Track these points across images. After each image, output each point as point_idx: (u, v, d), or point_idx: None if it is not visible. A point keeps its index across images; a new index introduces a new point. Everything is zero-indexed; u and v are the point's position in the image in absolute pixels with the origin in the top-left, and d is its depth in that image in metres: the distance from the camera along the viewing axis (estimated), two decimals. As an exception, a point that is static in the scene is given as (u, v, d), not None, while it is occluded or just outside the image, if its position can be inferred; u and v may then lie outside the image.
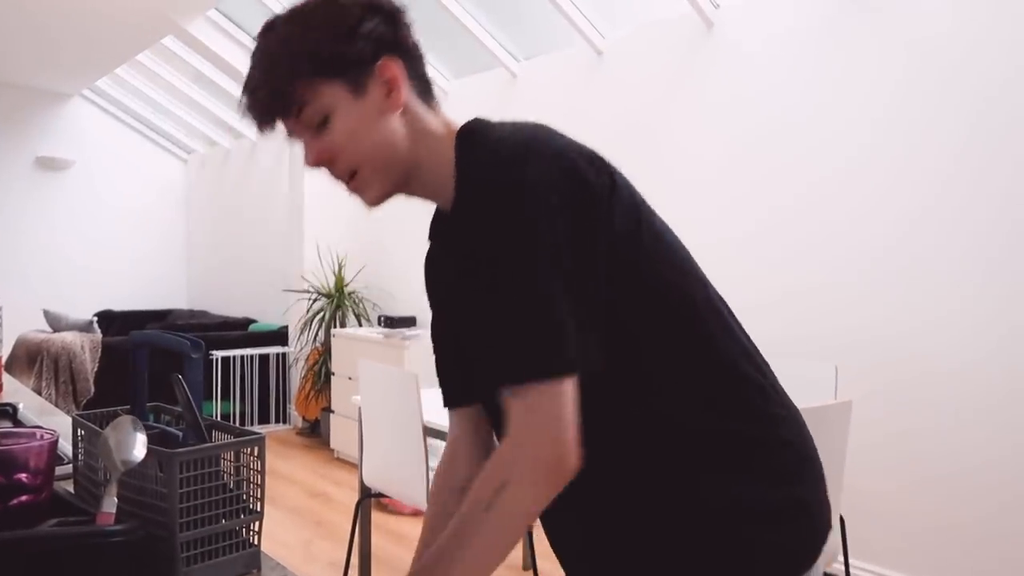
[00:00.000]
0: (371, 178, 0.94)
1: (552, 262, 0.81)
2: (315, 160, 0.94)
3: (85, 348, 5.27)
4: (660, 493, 0.90)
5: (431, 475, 2.54)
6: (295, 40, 0.90)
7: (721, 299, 0.99)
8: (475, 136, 0.94)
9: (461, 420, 1.11)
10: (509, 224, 0.83)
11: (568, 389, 0.79)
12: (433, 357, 1.12)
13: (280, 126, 0.95)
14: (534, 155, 0.85)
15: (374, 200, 0.96)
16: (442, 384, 1.11)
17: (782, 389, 1.00)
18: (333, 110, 0.90)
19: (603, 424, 0.88)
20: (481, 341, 0.90)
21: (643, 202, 0.93)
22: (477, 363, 0.98)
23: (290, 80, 0.89)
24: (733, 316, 0.99)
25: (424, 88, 0.97)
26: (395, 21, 0.94)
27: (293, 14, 0.92)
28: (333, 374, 5.04)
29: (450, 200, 0.95)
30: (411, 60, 0.95)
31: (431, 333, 1.13)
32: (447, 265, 1.03)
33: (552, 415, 0.78)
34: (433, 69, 4.66)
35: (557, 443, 0.78)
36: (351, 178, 0.94)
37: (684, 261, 0.95)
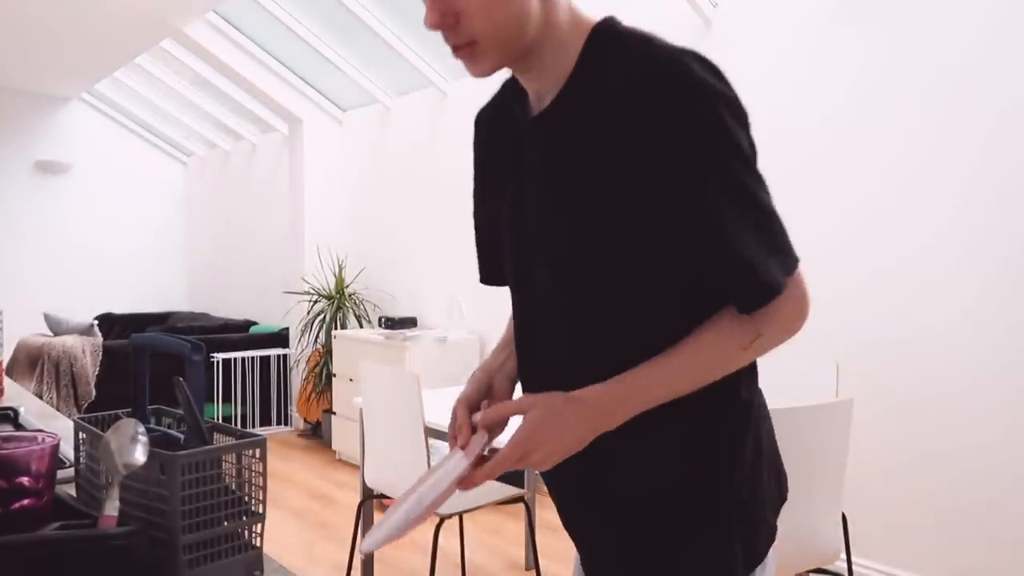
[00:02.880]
0: (489, 51, 0.88)
1: (754, 167, 0.91)
2: (438, 20, 0.87)
3: (86, 351, 5.27)
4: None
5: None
6: None
7: None
8: (618, 28, 0.94)
9: None
10: (737, 125, 0.89)
11: (802, 277, 0.94)
12: (476, 257, 1.15)
13: None
14: (718, 71, 0.91)
15: (483, 73, 0.91)
16: (481, 260, 1.15)
17: None
18: None
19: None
20: (743, 247, 0.89)
21: None
22: (574, 253, 0.93)
23: None
24: None
25: None
26: None
27: None
28: (334, 376, 5.04)
29: (557, 87, 0.92)
30: None
31: (476, 209, 1.13)
32: (541, 147, 0.95)
33: (803, 290, 0.94)
34: (431, 69, 4.67)
35: (806, 299, 0.94)
36: (466, 47, 0.88)
37: None
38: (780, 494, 1.02)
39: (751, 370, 0.98)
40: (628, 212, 0.87)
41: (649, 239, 0.88)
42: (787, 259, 0.91)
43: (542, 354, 1.00)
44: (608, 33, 0.92)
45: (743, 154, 0.88)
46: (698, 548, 0.92)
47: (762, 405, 1.00)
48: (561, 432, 0.87)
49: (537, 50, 0.91)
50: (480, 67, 0.90)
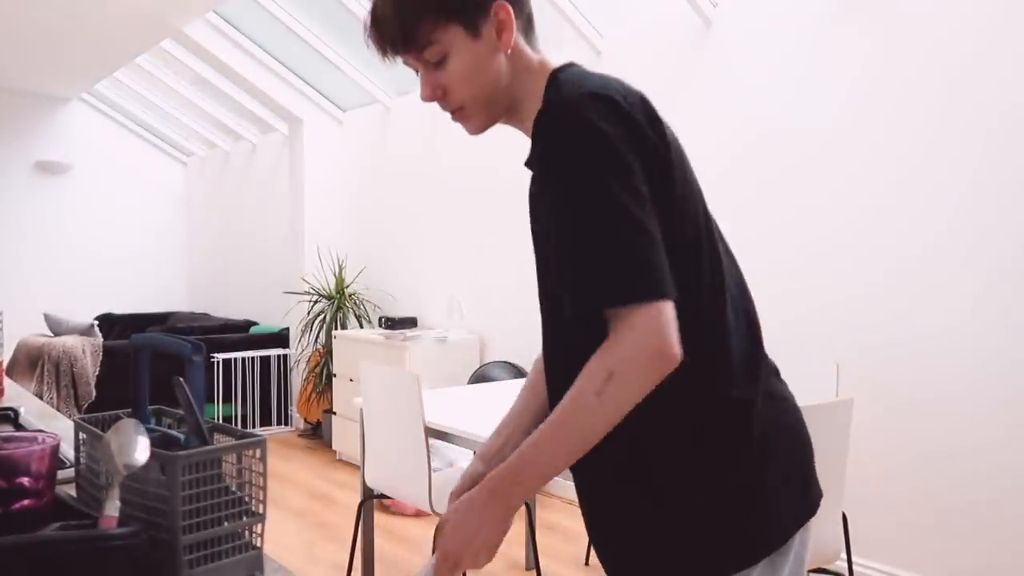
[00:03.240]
0: (476, 111, 1.04)
1: (633, 190, 0.88)
2: (430, 95, 1.04)
3: (86, 352, 5.27)
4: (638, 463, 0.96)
5: (433, 476, 2.55)
6: None
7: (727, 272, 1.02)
8: (562, 73, 1.02)
9: None
10: (594, 151, 0.89)
11: (669, 309, 0.87)
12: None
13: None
14: (611, 95, 0.93)
15: (476, 130, 1.07)
16: None
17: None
18: (451, 50, 1.00)
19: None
20: (568, 263, 0.92)
21: (682, 173, 0.98)
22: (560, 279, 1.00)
23: (417, 22, 0.99)
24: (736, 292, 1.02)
25: (527, 25, 1.06)
26: None
27: None
28: (334, 376, 5.04)
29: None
30: (520, 1, 1.04)
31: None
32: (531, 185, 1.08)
33: (656, 321, 0.86)
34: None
35: (659, 335, 0.85)
36: (458, 111, 1.05)
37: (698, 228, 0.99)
38: (801, 502, 0.99)
39: (748, 367, 0.97)
40: (546, 236, 0.98)
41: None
42: (631, 285, 0.86)
43: (547, 356, 1.09)
44: (552, 82, 1.02)
45: (598, 175, 0.88)
46: (680, 538, 0.94)
47: (772, 404, 0.99)
48: (474, 531, 0.92)
49: (517, 104, 1.04)
50: (472, 127, 1.07)
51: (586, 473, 1.02)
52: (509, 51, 1.01)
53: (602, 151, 0.89)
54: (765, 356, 1.03)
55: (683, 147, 1.01)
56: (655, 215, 0.89)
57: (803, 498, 0.99)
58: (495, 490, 0.91)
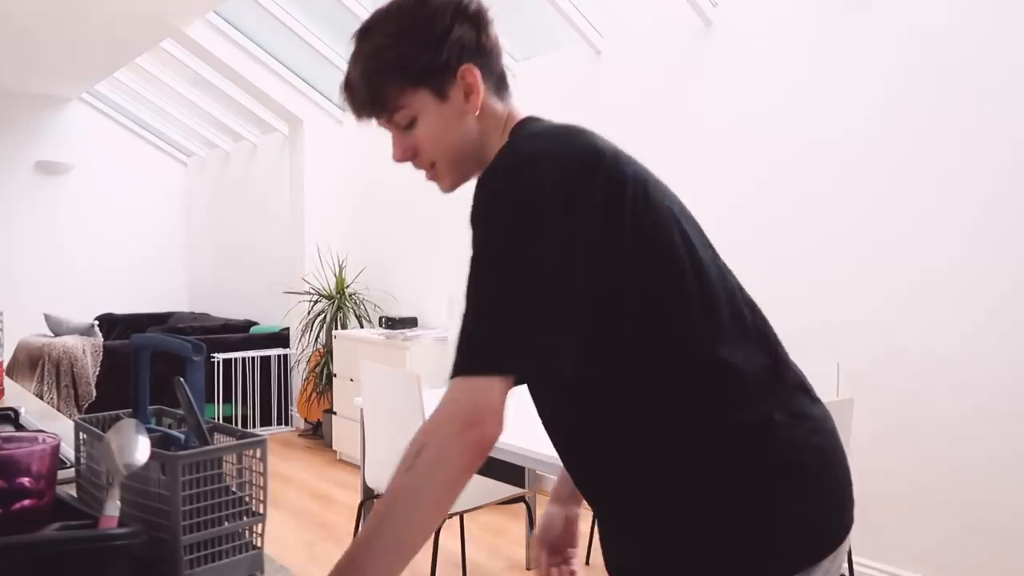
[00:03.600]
0: (447, 171, 1.06)
1: (532, 261, 0.86)
2: (401, 156, 1.07)
3: (86, 352, 5.27)
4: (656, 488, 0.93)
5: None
6: (388, 50, 1.00)
7: (731, 288, 1.00)
8: (515, 132, 1.03)
9: None
10: (495, 220, 0.90)
11: (495, 385, 0.83)
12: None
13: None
14: (544, 157, 0.91)
15: (449, 188, 1.09)
16: None
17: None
18: (419, 114, 1.01)
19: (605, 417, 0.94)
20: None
21: (657, 215, 0.94)
22: None
23: (384, 89, 1.00)
24: (741, 306, 0.99)
25: (499, 81, 1.05)
26: (479, 23, 1.02)
27: (388, 16, 1.01)
28: (335, 376, 5.04)
29: None
30: (490, 60, 1.03)
31: None
32: None
33: (474, 398, 0.83)
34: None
35: (472, 408, 0.82)
36: (430, 170, 1.07)
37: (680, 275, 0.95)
38: (826, 530, 0.92)
39: (761, 386, 0.93)
40: None
41: None
42: (463, 358, 0.85)
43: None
44: (512, 133, 1.03)
45: (498, 246, 0.88)
46: (677, 552, 0.91)
47: (796, 424, 0.93)
48: None
49: (488, 160, 1.00)
50: (445, 185, 1.09)
51: (602, 504, 1.01)
52: (477, 112, 1.02)
53: (510, 223, 0.88)
54: (785, 372, 0.98)
55: (649, 177, 0.97)
56: (570, 279, 0.86)
57: (828, 526, 0.93)
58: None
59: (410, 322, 4.88)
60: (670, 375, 0.92)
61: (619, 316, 0.91)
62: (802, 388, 0.99)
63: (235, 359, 5.61)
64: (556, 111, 4.07)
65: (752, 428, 0.91)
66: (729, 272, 1.02)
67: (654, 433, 0.92)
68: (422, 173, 1.12)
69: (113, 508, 0.86)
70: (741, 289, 1.01)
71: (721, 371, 0.92)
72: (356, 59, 1.02)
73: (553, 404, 1.02)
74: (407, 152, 1.06)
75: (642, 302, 0.91)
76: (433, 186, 1.12)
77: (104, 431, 1.00)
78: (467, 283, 0.90)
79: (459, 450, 0.82)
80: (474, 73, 1.00)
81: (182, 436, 1.08)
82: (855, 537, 2.89)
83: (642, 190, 0.94)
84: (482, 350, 0.85)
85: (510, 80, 1.08)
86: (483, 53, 1.02)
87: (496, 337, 0.85)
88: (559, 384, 0.97)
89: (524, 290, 0.85)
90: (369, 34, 1.02)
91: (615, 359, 0.92)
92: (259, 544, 0.99)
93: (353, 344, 4.83)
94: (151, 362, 1.16)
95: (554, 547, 1.24)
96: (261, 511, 0.99)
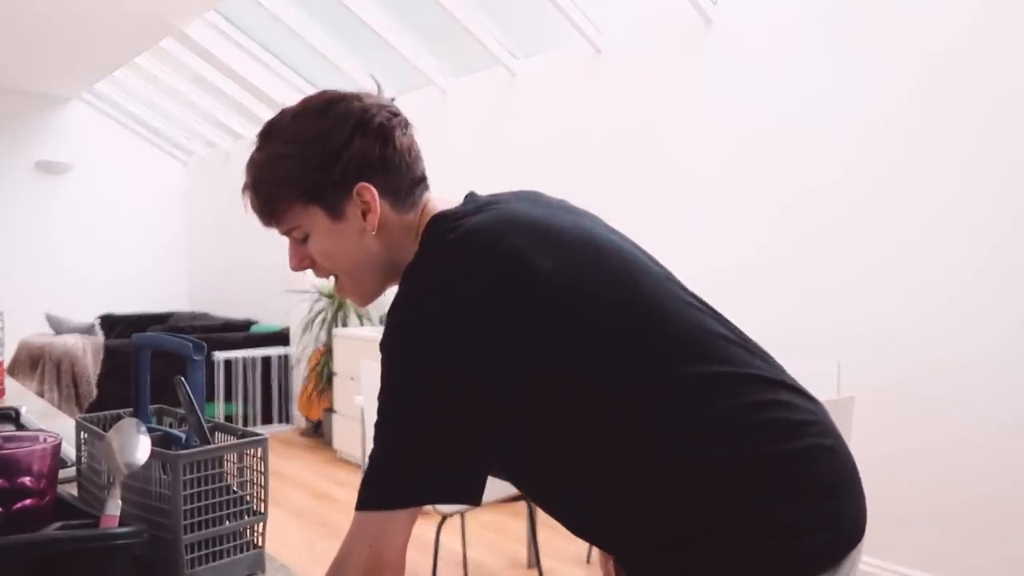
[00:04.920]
0: (351, 287, 1.01)
1: (441, 390, 0.82)
2: (296, 266, 1.01)
3: (87, 351, 5.27)
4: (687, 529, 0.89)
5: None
6: (281, 161, 0.95)
7: (713, 318, 0.97)
8: (428, 236, 0.94)
9: None
10: (403, 350, 0.85)
11: (398, 518, 0.82)
12: None
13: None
14: (454, 276, 0.85)
15: (360, 303, 1.03)
16: None
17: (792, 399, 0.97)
18: (312, 230, 0.96)
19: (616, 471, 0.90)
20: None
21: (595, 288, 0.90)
22: None
23: (274, 201, 0.96)
24: (727, 332, 0.97)
25: (410, 188, 0.99)
26: (385, 135, 0.97)
27: (289, 122, 0.98)
28: (335, 374, 5.04)
29: None
30: (395, 173, 0.97)
31: None
32: None
33: (372, 528, 0.83)
34: (431, 67, 4.66)
35: (374, 544, 0.83)
36: (336, 282, 1.02)
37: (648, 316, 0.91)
38: (822, 547, 0.89)
39: (747, 417, 0.90)
40: None
41: None
42: (383, 490, 0.83)
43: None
44: (424, 240, 0.95)
45: (407, 376, 0.85)
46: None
47: (779, 457, 0.90)
48: None
49: (401, 267, 0.94)
50: (354, 299, 1.02)
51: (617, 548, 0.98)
52: (374, 232, 0.96)
53: (419, 352, 0.84)
54: (780, 395, 0.94)
55: (599, 234, 0.94)
56: (486, 403, 0.83)
57: (826, 545, 0.90)
58: None
59: (411, 321, 4.87)
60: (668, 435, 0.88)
61: (583, 401, 0.87)
62: (790, 405, 0.95)
63: (236, 358, 5.61)
64: (555, 109, 4.07)
65: (741, 462, 0.89)
66: (706, 308, 0.98)
67: (666, 499, 0.88)
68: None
69: (114, 507, 0.86)
70: (720, 320, 0.98)
71: (698, 409, 0.89)
72: (251, 165, 0.98)
73: (568, 490, 0.96)
74: (302, 263, 1.00)
75: (605, 381, 0.87)
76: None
77: (105, 430, 1.00)
78: (376, 413, 0.86)
79: None
80: (371, 192, 0.94)
81: (183, 435, 1.08)
82: (856, 535, 2.89)
83: (590, 259, 0.90)
84: (388, 482, 0.82)
85: (429, 178, 1.03)
86: (387, 167, 0.96)
87: (402, 468, 0.82)
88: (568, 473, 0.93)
89: (432, 420, 0.82)
90: (269, 138, 0.98)
91: (602, 438, 0.89)
92: (260, 543, 0.99)
93: (354, 343, 4.83)
94: (152, 361, 1.16)
95: None
96: (262, 510, 0.99)
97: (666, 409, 0.88)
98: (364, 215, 0.96)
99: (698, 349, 0.91)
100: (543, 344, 0.85)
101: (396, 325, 0.87)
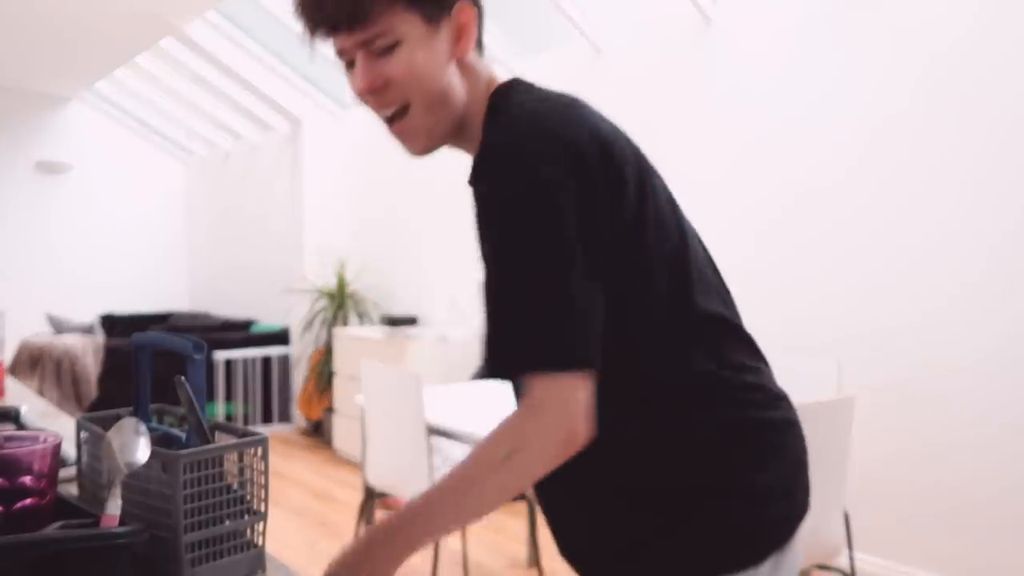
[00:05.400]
0: (422, 120, 0.89)
1: (563, 247, 0.81)
2: (368, 85, 0.88)
3: (87, 351, 5.27)
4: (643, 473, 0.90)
5: (435, 474, 2.55)
6: None
7: (716, 292, 0.97)
8: (504, 99, 0.92)
9: None
10: (518, 205, 0.82)
11: (584, 382, 0.80)
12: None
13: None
14: (549, 134, 0.83)
15: (420, 147, 0.92)
16: None
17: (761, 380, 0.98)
18: (403, 39, 0.86)
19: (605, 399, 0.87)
20: (489, 321, 0.85)
21: (653, 199, 0.91)
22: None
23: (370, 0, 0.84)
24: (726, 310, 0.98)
25: (479, 42, 0.95)
26: None
27: None
28: (335, 374, 5.04)
29: None
30: (479, 12, 0.93)
31: None
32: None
33: (566, 399, 0.80)
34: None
35: (570, 417, 0.80)
36: (398, 116, 0.89)
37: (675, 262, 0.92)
38: (777, 523, 0.92)
39: (744, 384, 0.91)
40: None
41: None
42: (544, 351, 0.80)
43: None
44: (497, 100, 0.92)
45: (534, 231, 0.81)
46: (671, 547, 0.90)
47: (741, 428, 0.91)
48: (359, 564, 0.82)
49: (466, 124, 0.92)
50: (416, 140, 0.91)
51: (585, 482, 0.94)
52: (463, 59, 0.90)
53: (541, 204, 0.81)
54: (760, 365, 0.97)
55: (652, 170, 0.94)
56: (594, 272, 0.82)
57: (779, 520, 0.93)
58: (381, 538, 0.83)
59: (411, 320, 4.88)
60: (665, 332, 0.89)
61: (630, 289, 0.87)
62: (756, 387, 0.95)
63: (236, 358, 5.61)
64: (556, 109, 4.07)
65: (749, 423, 0.91)
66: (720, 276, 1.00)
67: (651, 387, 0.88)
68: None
69: (114, 507, 0.86)
70: (729, 293, 1.00)
71: (709, 323, 0.91)
72: None
73: None
74: (376, 81, 0.88)
75: (644, 278, 0.88)
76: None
77: (105, 430, 1.00)
78: (502, 264, 0.82)
79: (552, 464, 0.81)
80: (470, 13, 0.89)
81: (183, 435, 1.08)
82: (856, 534, 2.89)
83: (639, 175, 0.90)
84: (563, 342, 0.79)
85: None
86: (477, 6, 0.92)
87: (573, 328, 0.80)
88: None
89: (576, 278, 0.80)
90: None
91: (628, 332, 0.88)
92: (260, 543, 0.99)
93: (354, 342, 4.83)
94: (152, 361, 1.15)
95: None
96: (262, 510, 0.99)
97: (658, 358, 0.89)
98: (457, 38, 0.89)
99: (706, 307, 0.92)
100: (610, 236, 0.85)
101: (496, 189, 0.83)
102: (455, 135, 0.93)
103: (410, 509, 0.83)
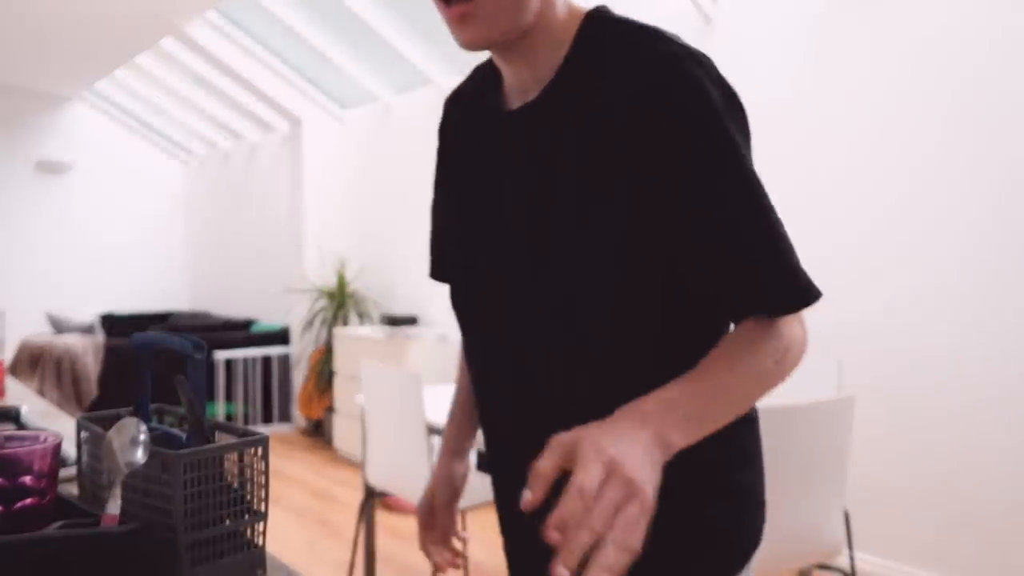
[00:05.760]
0: (491, 10, 0.80)
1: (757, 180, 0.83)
2: None
3: (88, 351, 5.28)
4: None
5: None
6: None
7: None
8: (614, 19, 0.87)
9: None
10: (733, 125, 0.81)
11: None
12: (432, 257, 1.08)
13: None
14: (710, 61, 0.84)
15: (476, 36, 0.82)
16: (437, 256, 1.08)
17: None
18: None
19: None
20: (779, 239, 0.85)
21: None
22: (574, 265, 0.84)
23: None
24: None
25: None
26: None
27: None
28: (335, 374, 5.04)
29: (545, 78, 0.86)
30: None
31: (436, 205, 1.06)
32: (527, 143, 0.87)
33: (805, 332, 0.89)
34: (431, 67, 4.66)
35: (805, 342, 0.88)
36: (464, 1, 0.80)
37: None
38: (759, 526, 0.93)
39: None
40: (626, 213, 0.80)
41: (650, 243, 0.81)
42: (807, 288, 0.86)
43: (531, 391, 0.89)
44: (602, 22, 0.86)
45: (749, 156, 0.84)
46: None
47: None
48: (646, 466, 0.64)
49: (530, 38, 0.84)
50: (472, 31, 0.81)
51: None
52: None
53: (738, 126, 0.83)
54: None
55: None
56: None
57: (762, 517, 0.94)
58: (651, 425, 0.68)
59: (411, 320, 4.88)
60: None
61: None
62: None
63: (236, 357, 5.61)
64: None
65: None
66: None
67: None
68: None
69: (114, 507, 0.86)
70: None
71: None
72: None
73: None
74: None
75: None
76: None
77: (105, 430, 1.00)
78: (739, 195, 0.82)
79: (795, 366, 0.86)
80: None
81: (183, 435, 1.08)
82: (857, 533, 2.89)
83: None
84: (806, 281, 0.85)
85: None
86: None
87: (799, 267, 0.85)
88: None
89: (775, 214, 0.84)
90: None
91: (669, 326, 0.86)
92: (260, 543, 0.99)
93: (354, 342, 4.83)
94: (152, 361, 1.16)
95: (443, 523, 1.14)
96: (262, 509, 0.99)
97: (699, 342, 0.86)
98: None
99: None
100: None
101: (725, 103, 0.80)
102: (513, 42, 0.84)
103: (692, 395, 0.74)
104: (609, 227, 0.81)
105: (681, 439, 0.70)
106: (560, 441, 0.64)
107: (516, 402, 0.92)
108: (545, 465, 0.62)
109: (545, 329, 0.86)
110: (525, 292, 0.87)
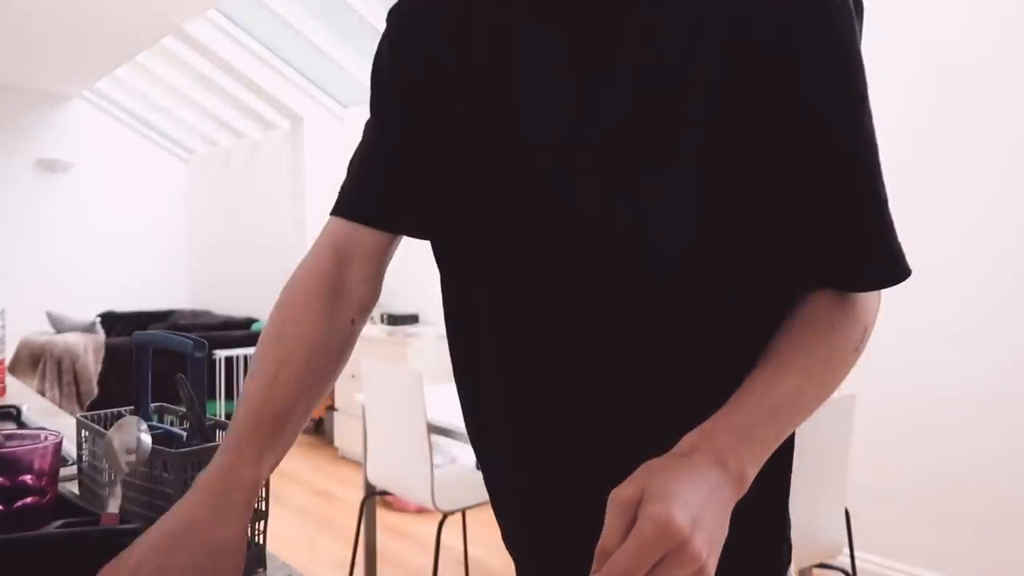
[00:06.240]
0: None
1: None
2: None
3: (88, 349, 5.28)
4: None
5: (436, 472, 2.55)
6: None
7: None
8: None
9: (363, 235, 0.85)
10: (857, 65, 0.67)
11: None
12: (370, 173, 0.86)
13: None
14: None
15: None
16: (365, 185, 0.86)
17: None
18: None
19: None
20: (871, 222, 0.74)
21: None
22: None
23: None
24: None
25: None
26: None
27: None
28: (336, 373, 5.04)
29: None
30: None
31: (388, 113, 0.89)
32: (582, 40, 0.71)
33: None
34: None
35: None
36: None
37: None
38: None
39: None
40: (729, 152, 0.67)
41: (756, 193, 0.68)
42: (902, 264, 0.76)
43: (573, 365, 0.74)
44: None
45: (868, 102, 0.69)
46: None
47: None
48: (718, 526, 0.57)
49: None
50: None
51: None
52: None
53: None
54: None
55: None
56: None
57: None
58: (729, 463, 0.59)
59: (412, 318, 4.88)
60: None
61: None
62: None
63: (237, 356, 5.61)
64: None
65: None
66: None
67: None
68: None
69: (115, 505, 0.86)
70: None
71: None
72: None
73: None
74: None
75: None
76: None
77: (106, 428, 1.00)
78: (869, 137, 0.70)
79: (864, 345, 0.74)
80: None
81: (184, 433, 1.08)
82: (857, 533, 2.89)
83: None
84: (903, 254, 0.75)
85: None
86: None
87: (897, 238, 0.74)
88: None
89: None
90: None
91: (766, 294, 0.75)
92: (261, 541, 0.99)
93: (355, 341, 4.82)
94: (153, 359, 1.15)
95: None
96: (263, 508, 0.99)
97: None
98: None
99: None
100: None
101: (852, 57, 0.68)
102: None
103: (762, 414, 0.64)
104: (695, 159, 0.67)
105: (755, 469, 0.62)
106: (622, 502, 0.55)
107: (552, 378, 0.76)
108: (611, 541, 0.53)
109: (613, 279, 0.71)
110: (591, 230, 0.72)
